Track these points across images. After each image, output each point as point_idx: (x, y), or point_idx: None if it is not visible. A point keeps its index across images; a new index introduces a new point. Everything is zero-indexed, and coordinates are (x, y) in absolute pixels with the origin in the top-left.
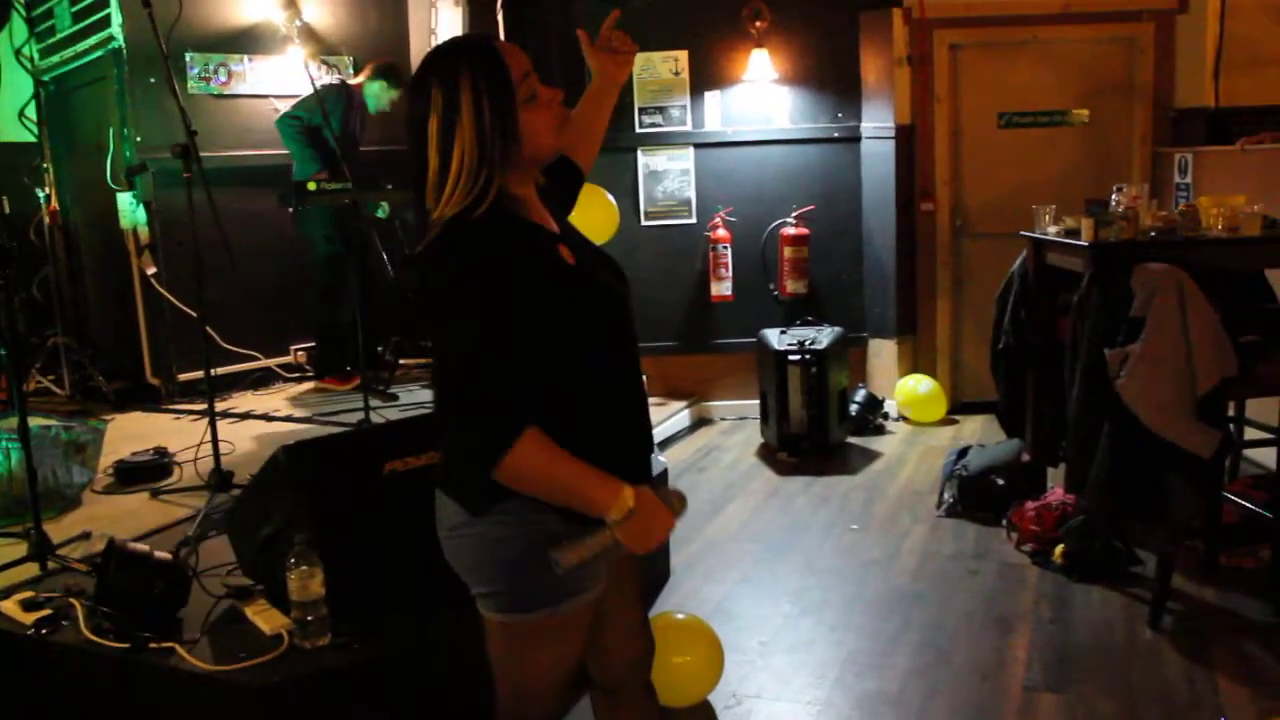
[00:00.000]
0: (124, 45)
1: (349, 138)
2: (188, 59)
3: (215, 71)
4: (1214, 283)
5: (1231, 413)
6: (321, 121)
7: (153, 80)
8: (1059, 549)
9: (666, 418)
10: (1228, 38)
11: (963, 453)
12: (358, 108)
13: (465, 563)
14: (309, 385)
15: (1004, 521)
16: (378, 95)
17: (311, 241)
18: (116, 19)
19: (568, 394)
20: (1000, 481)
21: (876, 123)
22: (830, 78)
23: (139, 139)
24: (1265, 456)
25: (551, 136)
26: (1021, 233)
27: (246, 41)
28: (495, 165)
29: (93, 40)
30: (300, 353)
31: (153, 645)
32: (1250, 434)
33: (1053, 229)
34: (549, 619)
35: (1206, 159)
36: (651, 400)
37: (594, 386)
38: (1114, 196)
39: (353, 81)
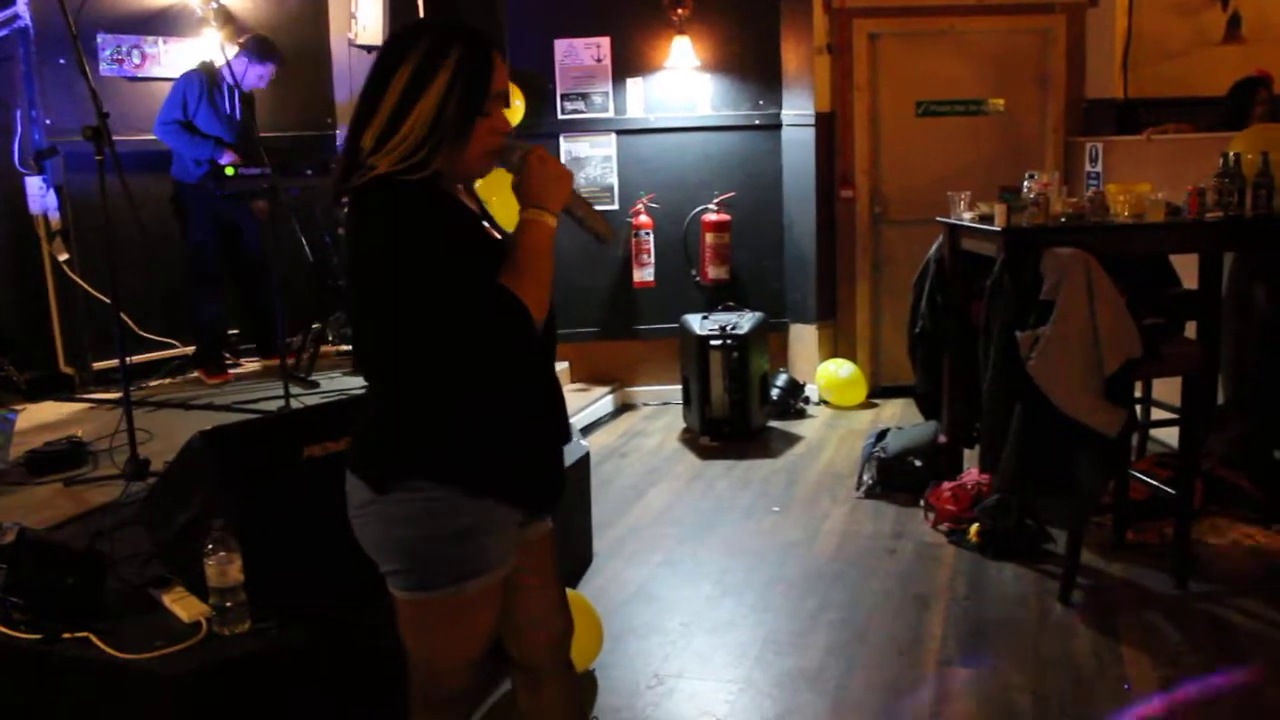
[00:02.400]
0: (31, 24)
1: (227, 120)
2: (99, 40)
3: (128, 53)
4: (1120, 267)
5: (1138, 394)
6: (191, 115)
7: (62, 61)
8: (974, 528)
9: (589, 403)
10: (1135, 32)
11: (881, 435)
12: (229, 88)
13: (371, 541)
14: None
15: (921, 502)
16: (261, 76)
17: (187, 228)
18: None
19: (477, 375)
20: (918, 463)
21: (797, 110)
22: (751, 66)
23: (48, 121)
24: (1170, 435)
25: (480, 160)
26: (938, 219)
27: (161, 23)
28: (437, 147)
29: None
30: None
31: (66, 636)
32: (1156, 414)
33: (967, 215)
34: (454, 597)
35: (1115, 148)
36: (574, 386)
37: (500, 368)
38: (1026, 183)
39: (219, 63)
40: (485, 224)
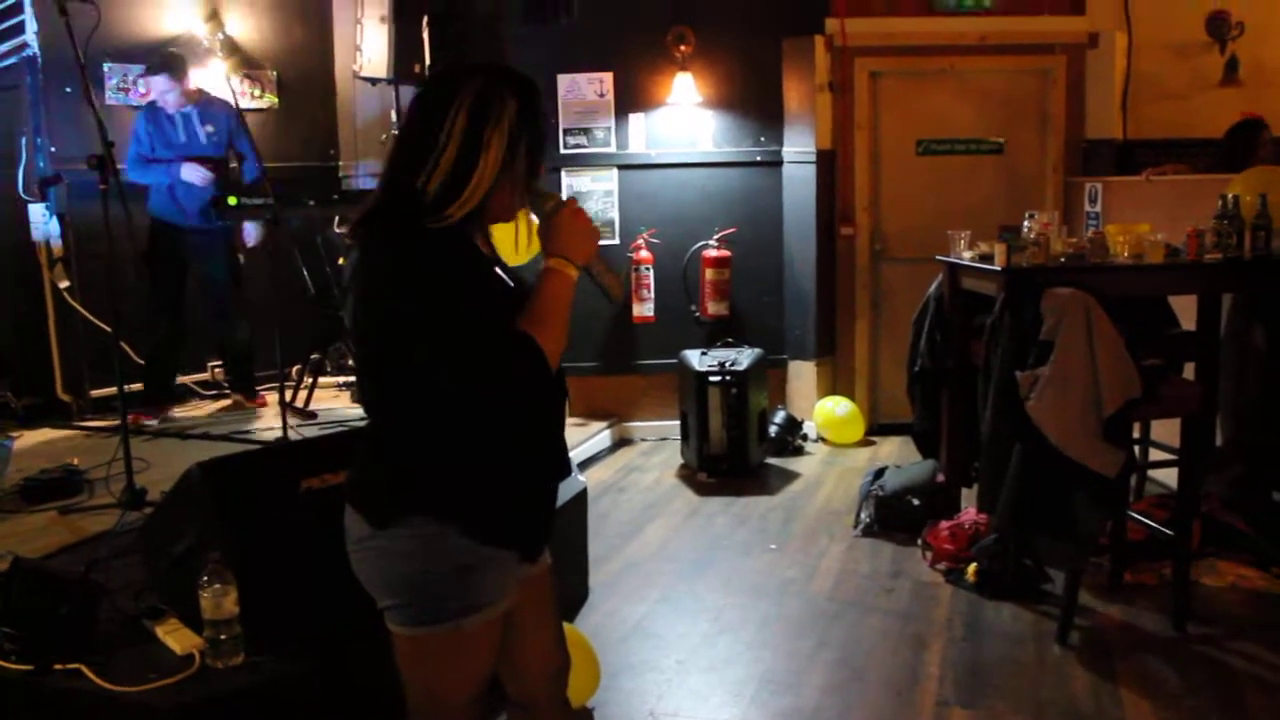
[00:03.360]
0: (38, 53)
1: (181, 148)
2: (106, 69)
3: (134, 83)
4: (1120, 308)
5: (1137, 434)
6: (147, 149)
7: (69, 90)
8: (972, 568)
9: (587, 438)
10: (1134, 73)
11: (879, 473)
12: (183, 116)
13: (370, 576)
14: (226, 402)
15: (919, 541)
16: (164, 92)
17: (151, 259)
18: (31, 26)
19: (488, 412)
20: (916, 502)
21: (798, 147)
22: (753, 102)
23: (53, 149)
24: (1168, 476)
25: (518, 204)
26: (937, 257)
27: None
28: (496, 194)
29: (5, 47)
30: (217, 369)
31: (59, 667)
32: (1154, 455)
33: (967, 254)
34: (454, 633)
35: (1115, 188)
36: (573, 420)
37: (507, 410)
38: (1026, 223)
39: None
40: (499, 269)
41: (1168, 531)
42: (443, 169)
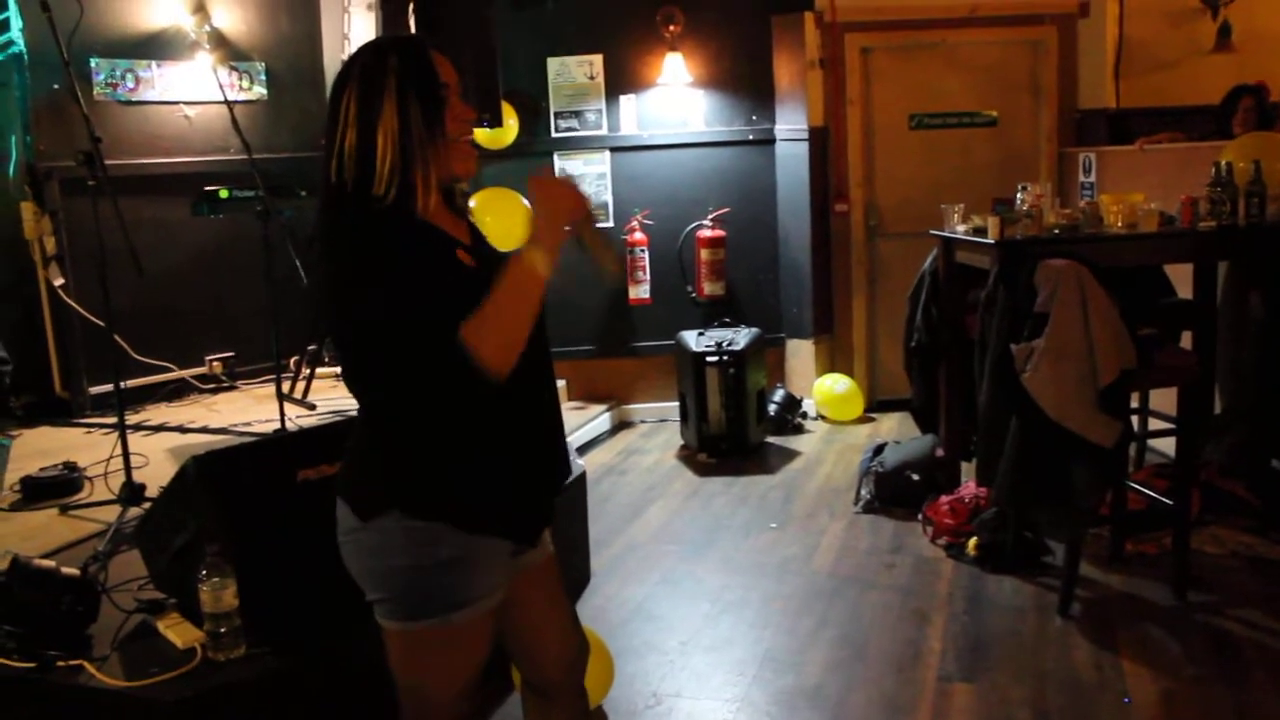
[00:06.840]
0: (25, 50)
1: None
2: (93, 64)
3: (122, 77)
4: (1114, 278)
5: (1135, 404)
6: None
7: (56, 86)
8: (972, 541)
9: (586, 421)
10: (1126, 42)
11: (879, 450)
12: None
13: (357, 568)
14: (224, 395)
15: (919, 516)
16: None
17: None
18: (16, 23)
19: (458, 407)
20: (915, 477)
21: (790, 125)
22: (744, 81)
23: (42, 146)
24: (1167, 446)
25: (459, 155)
26: (932, 231)
27: (155, 47)
28: (415, 156)
29: None
30: (216, 363)
31: (61, 664)
32: (1153, 424)
33: (961, 227)
34: (441, 629)
35: (1108, 158)
36: (571, 404)
37: (485, 400)
38: (1019, 195)
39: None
40: (461, 250)
41: (1167, 501)
42: (349, 154)
